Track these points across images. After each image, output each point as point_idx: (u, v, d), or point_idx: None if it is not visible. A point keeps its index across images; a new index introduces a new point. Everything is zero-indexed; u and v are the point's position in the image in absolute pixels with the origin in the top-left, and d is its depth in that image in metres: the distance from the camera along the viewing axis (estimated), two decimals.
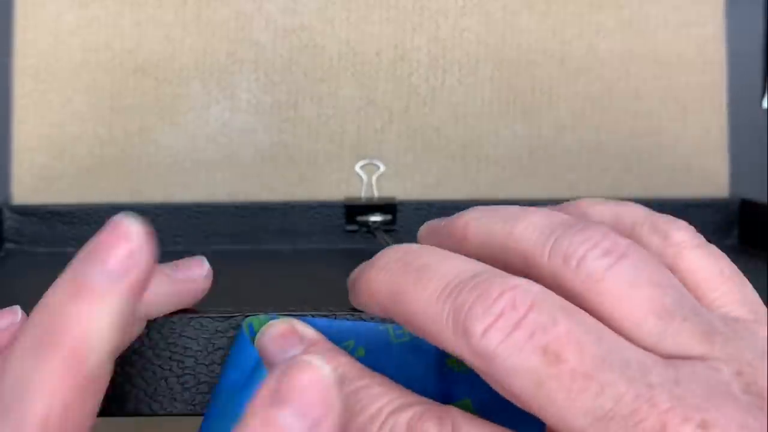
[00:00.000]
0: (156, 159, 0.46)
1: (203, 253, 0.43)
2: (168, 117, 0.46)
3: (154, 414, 0.26)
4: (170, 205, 0.45)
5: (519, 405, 0.18)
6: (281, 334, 0.23)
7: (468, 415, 0.19)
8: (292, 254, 0.44)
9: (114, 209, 0.45)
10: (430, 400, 0.20)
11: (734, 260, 0.26)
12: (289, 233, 0.45)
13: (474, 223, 0.22)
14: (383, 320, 0.24)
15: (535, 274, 0.20)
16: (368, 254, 0.46)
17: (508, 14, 0.47)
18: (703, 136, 0.47)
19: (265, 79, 0.46)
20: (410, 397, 0.20)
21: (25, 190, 0.46)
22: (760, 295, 0.25)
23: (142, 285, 0.19)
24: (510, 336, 0.17)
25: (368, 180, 0.46)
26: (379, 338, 0.24)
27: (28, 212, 0.45)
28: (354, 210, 0.44)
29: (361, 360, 0.24)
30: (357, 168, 0.46)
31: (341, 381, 0.21)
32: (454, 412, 0.19)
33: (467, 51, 0.47)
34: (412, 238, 0.45)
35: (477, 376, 0.24)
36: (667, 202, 0.45)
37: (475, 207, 0.24)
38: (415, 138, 0.47)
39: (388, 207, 0.44)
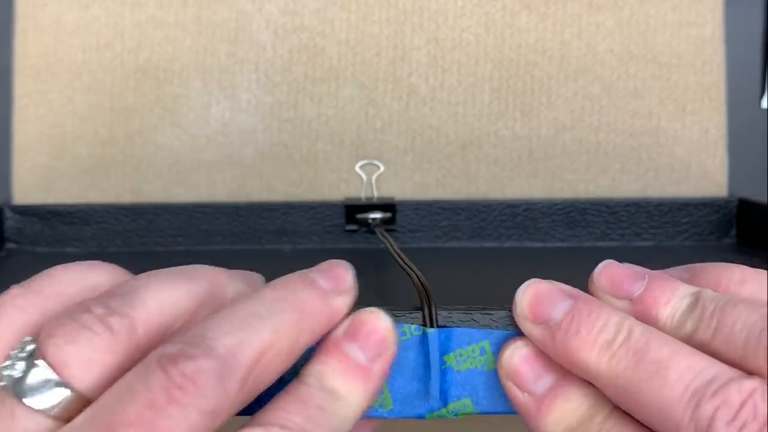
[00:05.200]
0: (156, 159, 0.46)
1: (203, 253, 0.44)
2: (168, 117, 0.46)
3: None
4: (170, 205, 0.45)
5: None
6: (532, 355, 0.23)
7: None
8: (292, 254, 0.44)
9: (114, 209, 0.45)
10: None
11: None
12: (289, 233, 0.45)
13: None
14: None
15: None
16: (368, 254, 0.46)
17: (507, 14, 0.47)
18: (702, 136, 0.47)
19: (265, 79, 0.46)
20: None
21: (25, 190, 0.46)
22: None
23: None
24: None
25: (368, 180, 0.46)
26: None
27: (29, 212, 0.45)
28: (354, 210, 0.44)
29: None
30: (357, 168, 0.46)
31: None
32: None
33: (467, 51, 0.47)
34: (411, 237, 0.45)
35: (477, 375, 0.24)
36: (665, 202, 0.45)
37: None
38: (415, 138, 0.47)
39: (387, 207, 0.44)
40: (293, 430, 0.20)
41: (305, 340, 0.22)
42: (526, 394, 0.23)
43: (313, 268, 0.24)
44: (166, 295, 0.22)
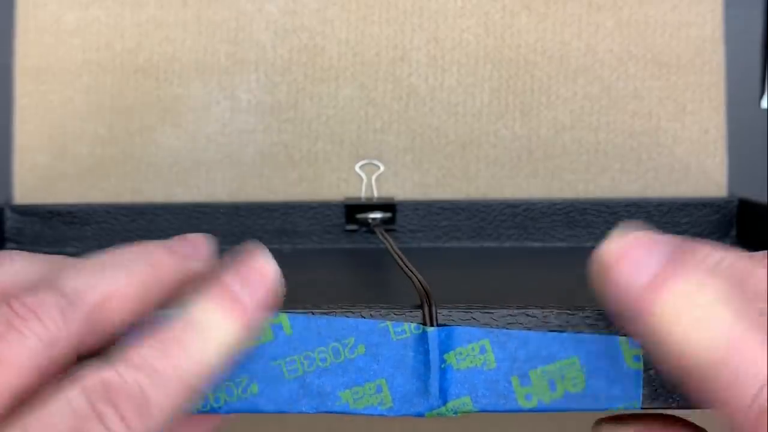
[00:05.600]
0: (156, 159, 0.46)
1: None
2: (168, 117, 0.46)
3: None
4: (170, 205, 0.45)
5: None
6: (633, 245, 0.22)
7: None
8: (292, 254, 0.44)
9: (114, 209, 0.45)
10: None
11: None
12: (289, 233, 0.45)
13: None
14: (384, 318, 0.25)
15: None
16: (368, 254, 0.46)
17: (507, 15, 0.47)
18: (702, 136, 0.47)
19: (265, 79, 0.47)
20: None
21: (26, 190, 0.46)
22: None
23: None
24: None
25: (368, 180, 0.46)
26: (379, 335, 0.24)
27: (29, 212, 0.45)
28: (354, 210, 0.44)
29: (361, 357, 0.24)
30: (357, 168, 0.46)
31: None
32: None
33: (466, 51, 0.47)
34: (411, 237, 0.45)
35: (477, 373, 0.24)
36: (665, 202, 0.46)
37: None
38: (415, 138, 0.47)
39: (387, 207, 0.44)
40: (137, 365, 0.20)
41: (157, 289, 0.23)
42: (629, 287, 0.21)
43: (170, 239, 0.25)
44: (23, 264, 0.24)
